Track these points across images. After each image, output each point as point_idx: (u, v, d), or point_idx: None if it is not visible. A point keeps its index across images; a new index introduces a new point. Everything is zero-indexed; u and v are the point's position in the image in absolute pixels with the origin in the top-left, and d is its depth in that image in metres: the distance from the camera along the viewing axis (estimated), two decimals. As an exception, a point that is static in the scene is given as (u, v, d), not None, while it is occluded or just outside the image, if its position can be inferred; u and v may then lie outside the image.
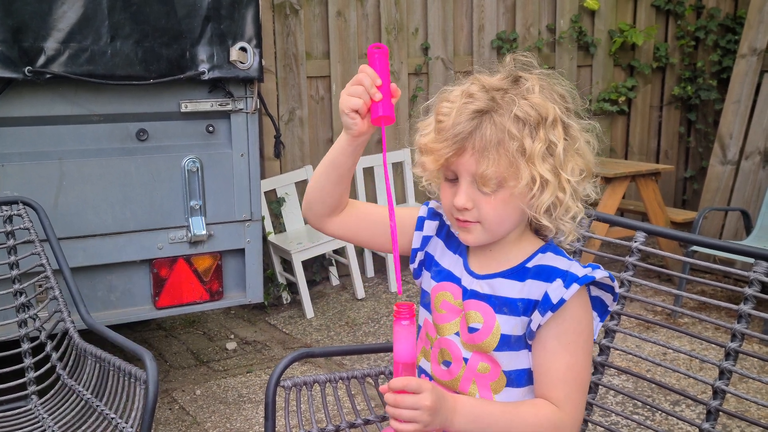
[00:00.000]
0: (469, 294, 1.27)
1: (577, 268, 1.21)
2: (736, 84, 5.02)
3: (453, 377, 1.29)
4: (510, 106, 1.15)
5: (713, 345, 1.58)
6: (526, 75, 1.20)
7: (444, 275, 1.32)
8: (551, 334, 1.20)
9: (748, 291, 1.48)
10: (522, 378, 1.25)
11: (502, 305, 1.24)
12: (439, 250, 1.35)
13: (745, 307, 1.48)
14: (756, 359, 2.90)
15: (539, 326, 1.20)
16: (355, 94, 1.21)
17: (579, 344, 1.21)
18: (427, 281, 1.36)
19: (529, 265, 1.24)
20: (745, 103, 4.95)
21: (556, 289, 1.19)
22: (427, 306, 1.35)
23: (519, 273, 1.24)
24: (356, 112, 1.21)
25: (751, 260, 1.51)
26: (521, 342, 1.23)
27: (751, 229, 4.39)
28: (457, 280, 1.30)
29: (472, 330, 1.26)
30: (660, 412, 1.65)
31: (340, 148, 1.28)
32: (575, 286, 1.18)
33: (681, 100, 5.92)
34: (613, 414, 2.24)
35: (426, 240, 1.36)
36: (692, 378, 1.59)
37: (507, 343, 1.23)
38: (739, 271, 1.57)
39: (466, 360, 1.27)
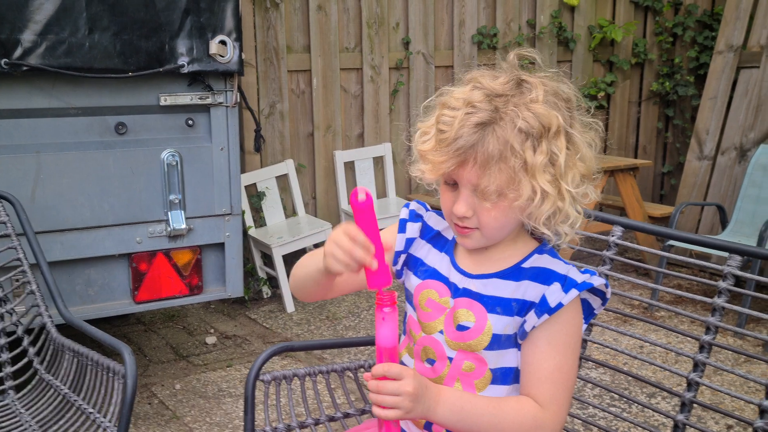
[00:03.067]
0: (460, 292, 1.27)
1: (575, 274, 1.21)
2: (713, 80, 5.08)
3: (437, 375, 1.28)
4: (513, 117, 1.12)
5: (689, 338, 1.60)
6: (529, 78, 1.17)
7: (429, 273, 1.32)
8: (543, 335, 1.20)
9: (722, 285, 1.51)
10: (508, 376, 1.26)
11: (496, 305, 1.23)
12: (424, 250, 1.35)
13: (719, 301, 1.50)
14: (731, 352, 2.95)
15: (533, 327, 1.20)
16: (344, 262, 1.15)
17: (569, 346, 1.22)
18: (410, 280, 1.35)
19: (525, 265, 1.24)
20: (722, 99, 5.00)
21: (554, 293, 1.19)
22: (410, 303, 1.35)
23: (514, 273, 1.24)
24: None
25: (726, 254, 1.54)
26: (510, 341, 1.24)
27: (727, 223, 4.45)
28: (443, 279, 1.30)
29: (462, 328, 1.25)
30: (636, 404, 1.67)
31: (318, 272, 1.25)
32: (574, 292, 1.18)
33: (659, 95, 5.98)
34: (591, 407, 2.27)
35: (409, 242, 1.36)
36: (668, 371, 1.61)
37: (497, 342, 1.23)
38: (713, 265, 1.59)
39: (450, 359, 1.27)
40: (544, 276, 1.22)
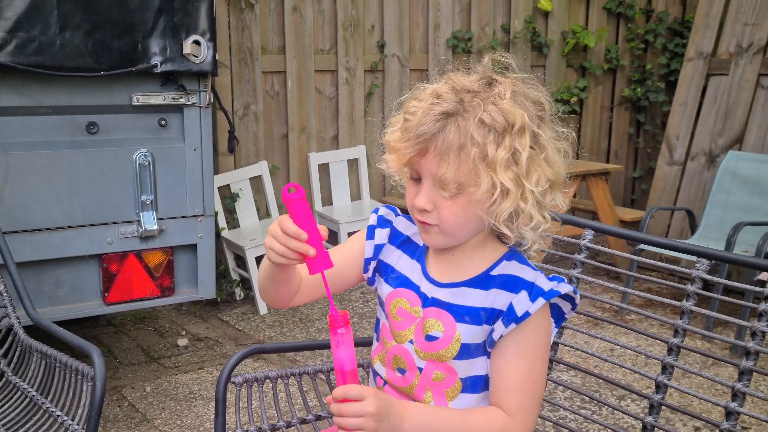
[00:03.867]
0: (429, 302, 1.25)
1: (542, 281, 1.20)
2: (683, 86, 5.15)
3: (408, 385, 1.28)
4: (477, 110, 1.12)
5: (658, 341, 1.62)
6: (500, 79, 1.17)
7: (401, 281, 1.30)
8: (511, 343, 1.19)
9: (691, 288, 1.53)
10: (478, 384, 1.25)
11: (464, 314, 1.22)
12: (394, 256, 1.33)
13: (687, 304, 1.52)
14: (699, 355, 2.99)
15: (501, 336, 1.19)
16: (284, 254, 1.15)
17: (537, 354, 1.21)
18: (382, 287, 1.34)
19: (494, 273, 1.23)
20: (692, 106, 5.08)
21: (521, 302, 1.18)
22: (383, 310, 1.33)
23: (483, 281, 1.23)
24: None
25: (695, 258, 1.56)
26: (480, 349, 1.23)
27: (696, 228, 4.52)
28: (414, 287, 1.28)
29: (430, 338, 1.24)
30: (606, 406, 1.69)
31: (270, 269, 1.25)
32: (541, 300, 1.17)
33: (631, 101, 6.06)
34: (561, 409, 2.29)
35: (378, 248, 1.34)
36: (637, 373, 1.63)
37: (467, 351, 1.22)
38: (682, 269, 1.62)
39: (420, 369, 1.26)
40: (512, 284, 1.21)
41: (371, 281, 1.37)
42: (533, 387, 1.21)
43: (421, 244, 1.32)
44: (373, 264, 1.35)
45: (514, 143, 1.12)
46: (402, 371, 1.28)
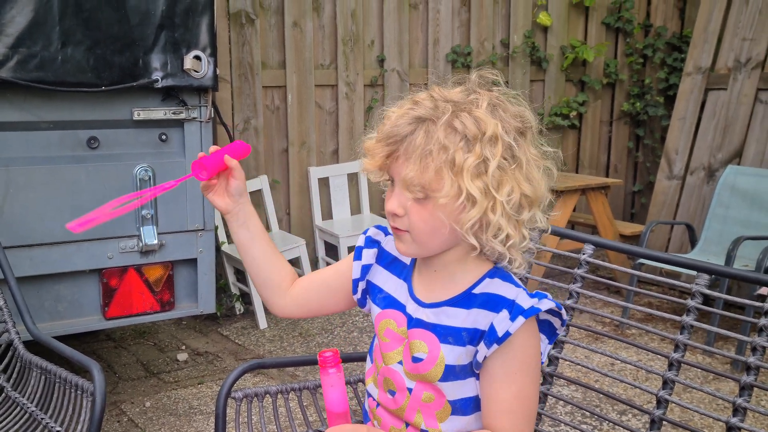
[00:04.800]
0: (414, 323, 1.24)
1: (523, 298, 1.17)
2: (682, 101, 5.17)
3: (398, 406, 1.26)
4: (450, 117, 1.12)
5: (659, 356, 1.62)
6: (482, 91, 1.17)
7: (388, 302, 1.29)
8: (497, 363, 1.17)
9: (691, 303, 1.53)
10: (468, 406, 1.23)
11: (447, 335, 1.20)
12: (382, 276, 1.33)
13: (688, 319, 1.52)
14: (700, 370, 2.98)
15: (485, 357, 1.17)
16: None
17: (526, 373, 1.18)
18: (372, 309, 1.33)
19: (476, 291, 1.21)
20: (691, 120, 5.09)
21: (501, 322, 1.15)
22: (375, 331, 1.33)
23: (465, 300, 1.21)
24: (209, 189, 1.36)
25: (695, 273, 1.56)
26: (467, 371, 1.21)
27: (696, 242, 4.52)
28: (401, 307, 1.27)
29: (416, 360, 1.23)
30: (607, 421, 1.68)
31: (231, 231, 1.39)
32: (521, 319, 1.15)
33: (630, 115, 6.07)
34: (562, 424, 2.27)
35: (366, 269, 1.34)
36: (638, 388, 1.63)
37: (452, 372, 1.21)
38: (682, 284, 1.62)
39: (410, 390, 1.25)
40: (493, 303, 1.18)
41: (362, 303, 1.36)
42: (525, 406, 1.19)
43: (408, 262, 1.30)
44: (361, 285, 1.34)
45: (485, 151, 1.11)
46: (392, 393, 1.27)
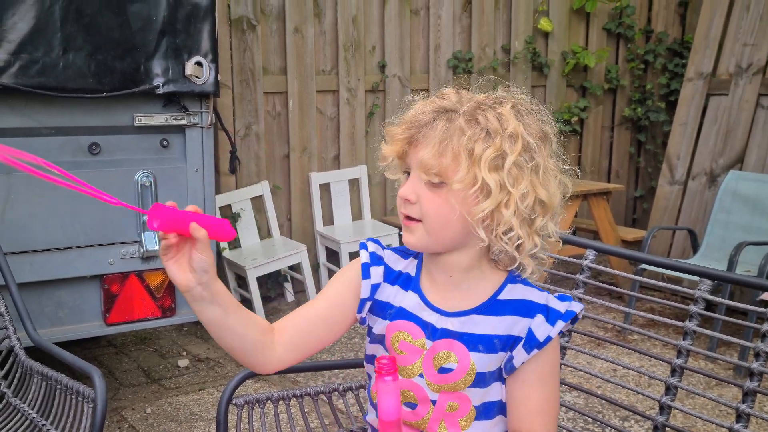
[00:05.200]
0: (439, 333, 1.22)
1: (555, 303, 1.19)
2: (683, 106, 5.17)
3: (420, 418, 1.25)
4: (473, 111, 1.14)
5: (661, 361, 1.61)
6: (508, 96, 1.19)
7: (400, 314, 1.26)
8: (533, 368, 1.19)
9: (693, 308, 1.52)
10: (491, 410, 1.23)
11: (477, 342, 1.19)
12: (390, 292, 1.28)
13: (690, 324, 1.52)
14: (703, 375, 2.97)
15: (522, 362, 1.18)
16: (166, 253, 1.09)
17: (554, 375, 1.21)
18: (377, 324, 1.29)
19: (501, 297, 1.21)
20: (692, 125, 5.09)
21: (539, 326, 1.17)
22: (382, 345, 1.28)
23: (493, 307, 1.21)
24: (170, 260, 1.09)
25: (697, 278, 1.56)
26: (494, 376, 1.21)
27: (698, 247, 4.51)
28: (416, 319, 1.24)
29: (444, 370, 1.21)
30: (610, 427, 1.68)
31: (198, 314, 1.15)
32: (560, 323, 1.17)
33: (631, 121, 6.07)
34: (565, 430, 2.26)
35: (375, 288, 1.28)
36: (641, 394, 1.62)
37: (482, 380, 1.21)
38: (685, 289, 1.61)
39: (434, 402, 1.23)
40: (525, 308, 1.19)
41: (363, 321, 1.31)
42: (553, 408, 1.21)
43: (414, 274, 1.28)
44: (368, 304, 1.29)
45: (504, 145, 1.12)
46: (412, 406, 1.25)
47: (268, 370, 1.25)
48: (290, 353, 1.25)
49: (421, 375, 1.23)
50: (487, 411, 1.23)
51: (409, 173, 1.19)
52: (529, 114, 1.18)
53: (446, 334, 1.21)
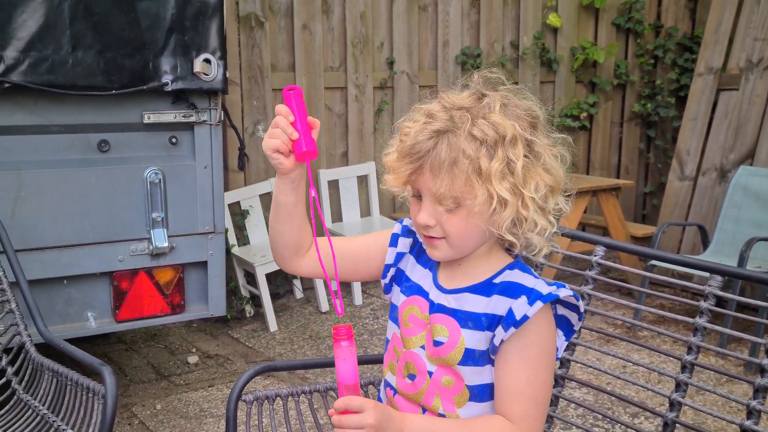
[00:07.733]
0: (436, 308, 1.28)
1: (542, 286, 1.21)
2: (693, 102, 5.14)
3: (417, 390, 1.29)
4: (467, 125, 1.16)
5: (671, 358, 1.60)
6: (491, 93, 1.21)
7: (414, 289, 1.33)
8: (513, 348, 1.20)
9: (704, 305, 1.51)
10: (485, 393, 1.26)
11: (467, 319, 1.24)
12: (410, 265, 1.37)
13: (701, 321, 1.51)
14: (713, 372, 2.95)
15: (502, 341, 1.20)
16: (274, 135, 1.25)
17: (540, 361, 1.22)
18: (396, 296, 1.37)
19: (496, 280, 1.25)
20: (702, 121, 5.06)
21: (520, 306, 1.19)
22: (395, 320, 1.36)
23: (485, 288, 1.25)
24: (278, 152, 1.25)
25: (708, 274, 1.55)
26: (485, 357, 1.24)
27: (708, 243, 4.49)
28: (425, 294, 1.31)
29: (437, 343, 1.26)
30: (620, 424, 1.67)
31: (277, 189, 1.32)
32: (539, 304, 1.19)
33: (641, 116, 6.04)
34: (574, 427, 2.26)
35: (399, 256, 1.38)
36: (651, 390, 1.61)
37: (471, 357, 1.24)
38: (695, 285, 1.60)
39: (430, 373, 1.28)
40: (512, 290, 1.22)
41: (387, 289, 1.40)
42: (537, 395, 1.22)
43: None
44: (392, 271, 1.38)
45: (508, 153, 1.15)
46: (412, 377, 1.30)
47: (291, 268, 1.41)
48: (314, 269, 1.39)
49: (422, 347, 1.29)
50: (481, 393, 1.26)
51: (417, 195, 1.23)
52: (516, 104, 1.21)
53: (441, 309, 1.28)
